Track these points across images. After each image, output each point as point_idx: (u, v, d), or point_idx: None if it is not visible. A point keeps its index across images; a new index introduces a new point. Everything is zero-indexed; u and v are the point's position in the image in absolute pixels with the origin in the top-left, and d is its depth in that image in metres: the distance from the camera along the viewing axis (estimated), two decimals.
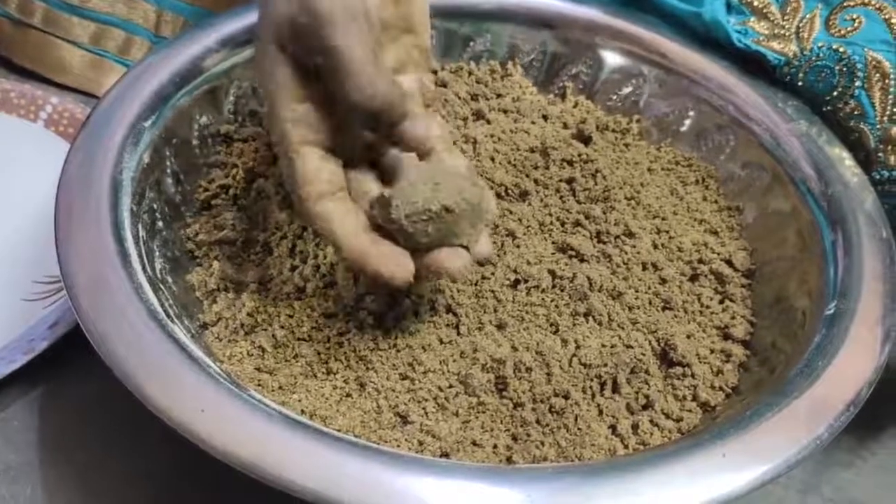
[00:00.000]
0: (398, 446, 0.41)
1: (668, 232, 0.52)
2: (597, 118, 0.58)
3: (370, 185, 0.44)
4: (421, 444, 0.42)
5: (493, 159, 0.53)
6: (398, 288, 0.43)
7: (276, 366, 0.44)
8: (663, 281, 0.49)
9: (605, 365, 0.45)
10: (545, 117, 0.58)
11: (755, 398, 0.42)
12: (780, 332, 0.47)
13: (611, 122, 0.58)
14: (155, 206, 0.49)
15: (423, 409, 0.43)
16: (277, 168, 0.51)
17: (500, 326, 0.46)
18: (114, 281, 0.41)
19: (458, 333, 0.46)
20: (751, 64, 0.57)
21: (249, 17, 0.54)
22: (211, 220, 0.50)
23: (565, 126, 0.58)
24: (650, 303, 0.48)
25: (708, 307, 0.49)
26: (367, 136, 0.43)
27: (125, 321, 0.40)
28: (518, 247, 0.49)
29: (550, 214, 0.51)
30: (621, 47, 0.60)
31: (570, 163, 0.53)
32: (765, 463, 0.38)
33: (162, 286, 0.45)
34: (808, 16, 0.55)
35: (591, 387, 0.45)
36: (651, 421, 0.44)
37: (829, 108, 0.55)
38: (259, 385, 0.43)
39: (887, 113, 0.53)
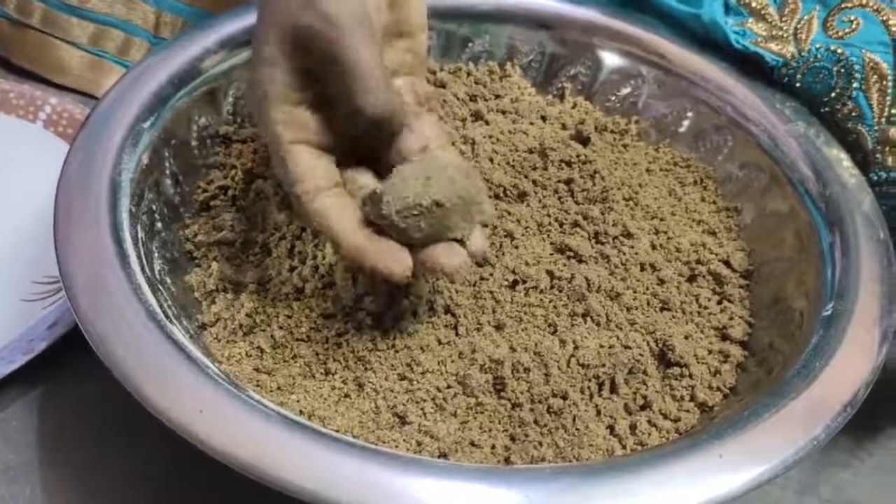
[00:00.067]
0: (396, 447, 0.41)
1: (666, 232, 0.52)
2: (595, 119, 0.58)
3: (365, 182, 0.44)
4: (419, 444, 0.42)
5: (491, 160, 0.53)
6: (396, 284, 0.43)
7: (275, 366, 0.45)
8: (661, 281, 0.49)
9: (603, 365, 0.45)
10: (544, 118, 0.58)
11: (753, 399, 0.42)
12: (777, 333, 0.47)
13: (609, 122, 0.58)
14: (154, 207, 0.49)
15: (422, 409, 0.43)
16: None
17: (499, 327, 0.46)
18: (112, 282, 0.41)
19: (457, 334, 0.46)
20: (749, 65, 0.57)
21: (248, 19, 0.54)
22: (210, 221, 0.50)
23: (564, 127, 0.58)
24: (648, 303, 0.48)
25: (706, 308, 0.49)
26: (364, 139, 0.43)
27: (124, 322, 0.40)
28: (516, 247, 0.49)
29: (549, 215, 0.51)
30: (620, 48, 0.61)
31: (569, 163, 0.53)
32: (762, 463, 0.38)
33: (161, 287, 0.45)
34: (805, 17, 0.55)
35: (589, 387, 0.45)
36: (649, 421, 0.44)
37: (826, 109, 0.55)
38: (258, 385, 0.43)
39: (885, 114, 0.53)
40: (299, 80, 0.41)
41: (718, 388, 0.46)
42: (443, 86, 0.59)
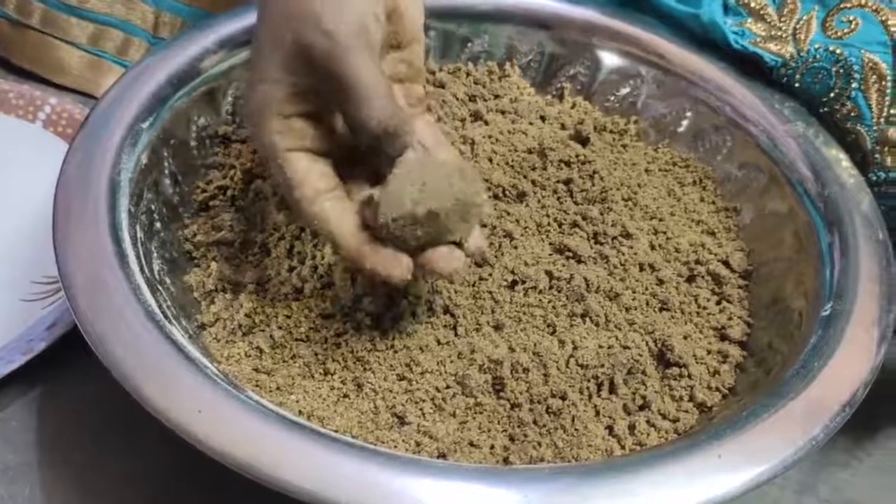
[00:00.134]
0: (395, 447, 0.41)
1: (665, 233, 0.52)
2: (594, 119, 0.58)
3: (363, 186, 0.44)
4: (418, 444, 0.42)
5: (490, 160, 0.53)
6: (396, 286, 0.43)
7: (274, 366, 0.45)
8: (660, 282, 0.49)
9: (602, 366, 0.45)
10: (543, 118, 0.58)
11: (751, 399, 0.42)
12: (776, 333, 0.47)
13: (608, 122, 0.58)
14: (153, 207, 0.49)
15: (421, 409, 0.43)
16: None
17: (498, 327, 0.46)
18: (111, 282, 0.41)
19: (456, 334, 0.46)
20: (748, 65, 0.57)
21: (247, 19, 0.54)
22: (209, 221, 0.50)
23: (563, 127, 0.58)
24: (647, 304, 0.49)
25: (705, 308, 0.49)
26: (367, 154, 0.43)
27: (123, 322, 0.40)
28: (515, 248, 0.49)
29: (548, 215, 0.51)
30: (619, 48, 0.61)
31: (568, 164, 0.53)
32: (761, 464, 0.38)
33: (160, 287, 0.45)
34: (804, 17, 0.55)
35: (587, 387, 0.45)
36: (648, 421, 0.44)
37: (825, 109, 0.55)
38: (257, 386, 0.43)
39: (884, 114, 0.53)
40: (297, 95, 0.41)
41: (717, 389, 0.46)
42: (442, 86, 0.59)
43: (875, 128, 0.53)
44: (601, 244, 0.50)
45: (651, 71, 0.60)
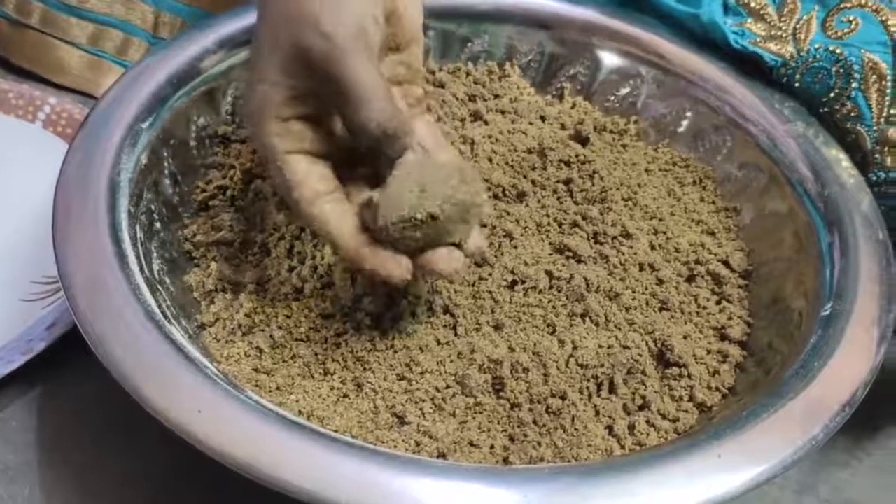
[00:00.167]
0: (395, 447, 0.41)
1: (665, 233, 0.52)
2: (594, 119, 0.58)
3: (363, 188, 0.44)
4: (418, 444, 0.42)
5: (490, 160, 0.53)
6: (396, 286, 0.43)
7: (274, 366, 0.45)
8: (660, 282, 0.49)
9: (602, 366, 0.45)
10: (543, 118, 0.58)
11: (751, 399, 0.42)
12: (776, 333, 0.47)
13: (608, 122, 0.58)
14: (153, 207, 0.49)
15: (420, 409, 0.43)
16: None
17: (498, 327, 0.46)
18: (111, 282, 0.41)
19: (456, 334, 0.46)
20: (748, 65, 0.57)
21: (247, 18, 0.54)
22: (209, 221, 0.50)
23: (563, 127, 0.58)
24: (647, 303, 0.48)
25: (705, 308, 0.49)
26: (367, 157, 0.43)
27: (122, 322, 0.40)
28: (515, 248, 0.49)
29: (548, 215, 0.51)
30: (619, 48, 0.60)
31: (568, 163, 0.53)
32: (761, 463, 0.38)
33: (160, 287, 0.45)
34: (804, 17, 0.55)
35: (587, 387, 0.45)
36: (647, 421, 0.44)
37: (825, 109, 0.55)
38: (256, 386, 0.43)
39: (884, 114, 0.53)
40: (296, 98, 0.41)
41: (717, 389, 0.46)
42: (442, 86, 0.59)
43: (875, 128, 0.53)
44: (601, 244, 0.50)
45: (651, 71, 0.60)
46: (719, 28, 0.57)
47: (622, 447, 0.43)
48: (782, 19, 0.56)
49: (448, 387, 0.44)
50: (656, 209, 0.53)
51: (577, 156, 0.53)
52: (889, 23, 0.53)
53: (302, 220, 0.43)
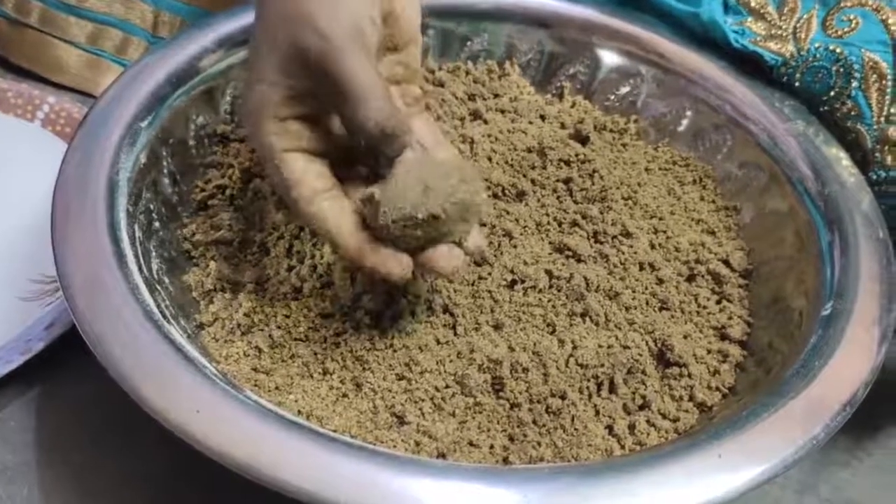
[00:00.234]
0: (394, 447, 0.41)
1: (665, 232, 0.52)
2: (594, 118, 0.58)
3: (361, 187, 0.44)
4: (417, 444, 0.41)
5: (490, 159, 0.53)
6: (395, 284, 0.43)
7: (273, 366, 0.44)
8: (660, 281, 0.49)
9: (602, 365, 0.45)
10: (542, 117, 0.58)
11: (752, 398, 0.42)
12: (776, 333, 0.47)
13: (608, 121, 0.58)
14: (151, 206, 0.48)
15: (420, 409, 0.43)
16: None
17: (497, 327, 0.46)
18: (110, 282, 0.41)
19: (455, 334, 0.46)
20: (748, 64, 0.57)
21: (246, 18, 0.54)
22: (207, 221, 0.50)
23: (563, 126, 0.58)
24: (647, 303, 0.48)
25: (705, 307, 0.49)
26: (366, 155, 0.43)
27: (121, 322, 0.40)
28: (515, 247, 0.49)
29: (547, 214, 0.51)
30: (619, 47, 0.60)
31: (568, 163, 0.53)
32: (761, 463, 0.38)
33: (158, 287, 0.45)
34: (805, 16, 0.55)
35: (587, 387, 0.45)
36: (648, 421, 0.44)
37: (826, 108, 0.55)
38: (255, 385, 0.43)
39: (884, 113, 0.53)
40: (293, 98, 0.41)
41: (717, 388, 0.46)
42: (441, 85, 0.59)
43: (875, 127, 0.53)
44: (601, 243, 0.50)
45: (651, 70, 0.60)
46: (719, 27, 0.57)
47: (622, 447, 0.43)
48: (782, 18, 0.56)
49: (447, 386, 0.44)
50: (656, 208, 0.53)
51: (576, 155, 0.53)
52: (889, 22, 0.53)
53: (300, 219, 0.43)
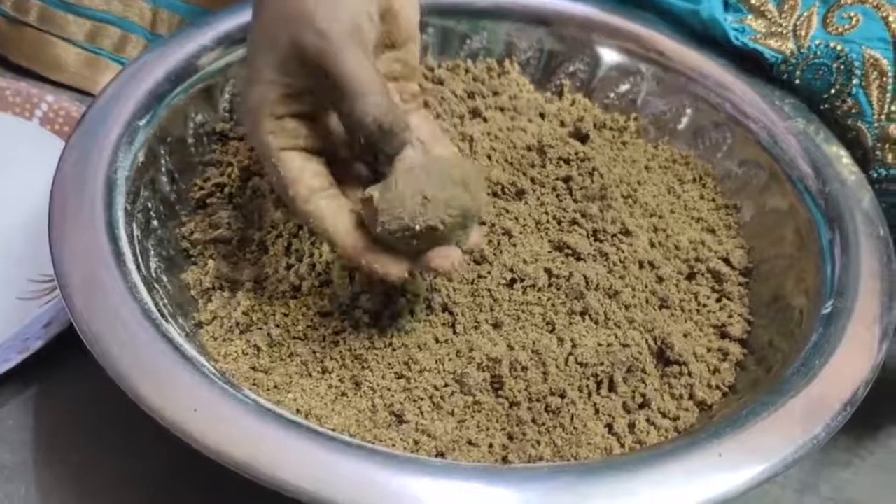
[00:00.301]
0: (393, 446, 0.41)
1: (665, 230, 0.52)
2: (594, 116, 0.58)
3: (359, 187, 0.44)
4: (416, 443, 0.41)
5: (489, 157, 0.53)
6: (394, 284, 0.43)
7: (272, 365, 0.44)
8: (660, 279, 0.49)
9: (602, 364, 0.45)
10: (542, 115, 0.58)
11: (752, 397, 0.42)
12: (777, 331, 0.47)
13: (608, 119, 0.58)
14: (150, 204, 0.48)
15: (419, 408, 0.43)
16: None
17: (497, 325, 0.46)
18: (108, 280, 0.41)
19: (454, 332, 0.46)
20: (748, 62, 0.57)
21: (245, 16, 0.53)
22: (206, 219, 0.50)
23: (562, 124, 0.58)
24: (647, 301, 0.48)
25: (705, 306, 0.49)
26: (365, 151, 0.43)
27: (119, 321, 0.40)
28: (514, 245, 0.49)
29: (547, 213, 0.51)
30: (618, 45, 0.60)
31: (567, 161, 0.53)
32: (761, 462, 0.38)
33: (156, 285, 0.45)
34: (805, 14, 0.55)
35: (587, 386, 0.44)
36: (647, 420, 0.44)
37: (826, 105, 0.55)
38: (254, 384, 0.43)
39: (885, 111, 0.53)
40: (290, 96, 0.41)
41: (717, 387, 0.46)
42: (441, 83, 0.59)
43: (876, 124, 0.53)
44: (600, 241, 0.50)
45: (651, 68, 0.60)
46: (719, 25, 0.57)
47: (622, 446, 0.43)
48: (783, 16, 0.55)
49: (447, 385, 0.44)
50: (656, 206, 0.53)
51: (576, 153, 0.53)
52: (890, 19, 0.53)
53: (298, 217, 0.43)
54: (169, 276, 0.47)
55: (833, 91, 0.54)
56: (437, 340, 0.45)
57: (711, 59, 0.58)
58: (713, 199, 0.55)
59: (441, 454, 0.41)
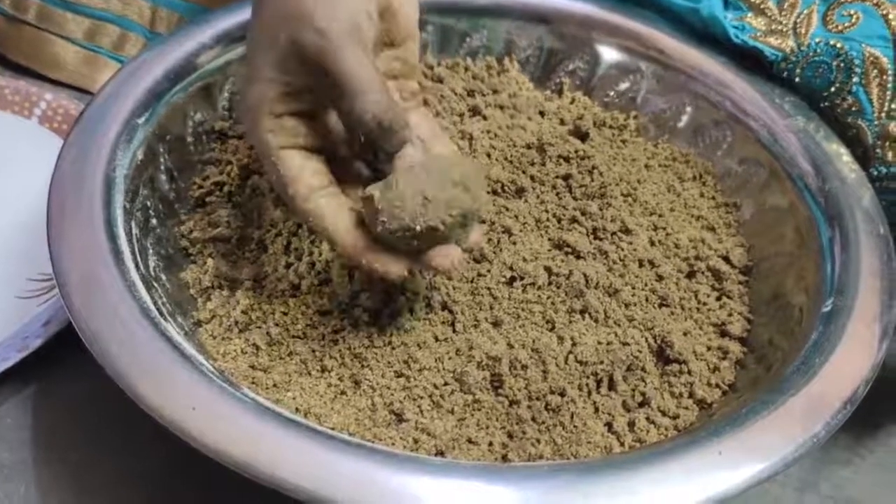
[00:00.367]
0: (393, 444, 0.41)
1: (664, 228, 0.52)
2: (594, 114, 0.58)
3: (359, 186, 0.44)
4: (416, 442, 0.41)
5: (489, 155, 0.53)
6: (393, 283, 0.43)
7: (271, 363, 0.44)
8: (660, 278, 0.49)
9: (602, 362, 0.45)
10: (542, 113, 0.58)
11: (752, 395, 0.42)
12: (777, 329, 0.47)
13: (608, 118, 0.58)
14: (149, 203, 0.48)
15: (419, 406, 0.43)
16: None
17: (496, 324, 0.46)
18: (106, 279, 0.41)
19: (454, 331, 0.46)
20: (748, 60, 0.57)
21: (244, 14, 0.53)
22: (205, 218, 0.50)
23: (562, 122, 0.57)
24: (647, 300, 0.48)
25: (705, 304, 0.49)
26: (365, 149, 0.43)
27: (117, 319, 0.40)
28: (514, 244, 0.49)
29: (547, 211, 0.51)
30: (618, 43, 0.60)
31: (567, 159, 0.53)
32: (761, 461, 0.37)
33: (155, 284, 0.45)
34: (805, 11, 0.55)
35: (587, 384, 0.44)
36: (647, 418, 0.44)
37: (826, 103, 0.55)
38: (253, 383, 0.43)
39: (885, 109, 0.53)
40: (289, 94, 0.41)
41: (717, 385, 0.46)
42: (440, 81, 0.59)
43: (876, 122, 0.53)
44: (600, 240, 0.50)
45: (651, 66, 0.60)
46: (719, 22, 0.56)
47: (622, 444, 0.43)
48: (783, 13, 0.55)
49: (446, 384, 0.44)
50: (656, 205, 0.53)
51: (576, 151, 0.53)
52: (890, 17, 0.53)
53: (297, 216, 0.43)
54: (168, 274, 0.47)
55: (833, 89, 0.54)
56: (436, 339, 0.45)
57: (711, 56, 0.58)
58: (713, 198, 0.55)
59: (441, 453, 0.41)
